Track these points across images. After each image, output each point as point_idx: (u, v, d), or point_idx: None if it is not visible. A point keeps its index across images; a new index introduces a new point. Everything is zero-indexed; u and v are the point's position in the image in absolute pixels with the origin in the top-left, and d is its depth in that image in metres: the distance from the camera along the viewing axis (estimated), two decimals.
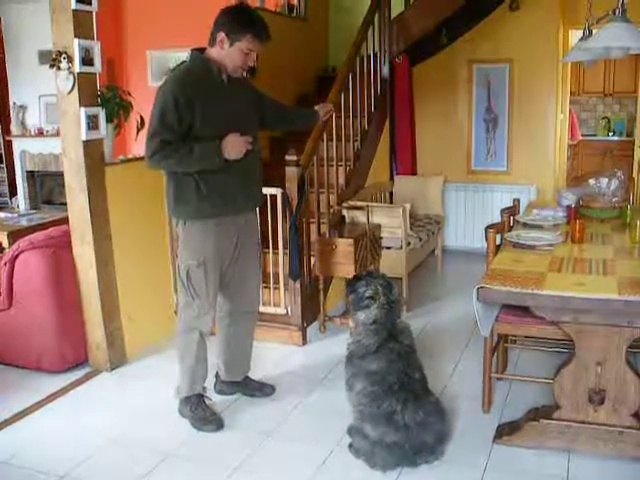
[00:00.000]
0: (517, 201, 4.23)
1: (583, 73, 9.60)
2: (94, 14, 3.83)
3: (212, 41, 3.14)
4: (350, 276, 3.74)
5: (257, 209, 3.60)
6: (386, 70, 6.01)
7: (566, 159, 7.56)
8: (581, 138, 9.50)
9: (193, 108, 3.04)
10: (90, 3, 3.75)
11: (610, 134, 9.97)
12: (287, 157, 4.35)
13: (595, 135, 10.07)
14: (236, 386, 3.73)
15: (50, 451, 3.20)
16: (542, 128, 6.45)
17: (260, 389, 3.74)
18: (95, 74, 3.88)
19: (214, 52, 3.14)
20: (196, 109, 3.04)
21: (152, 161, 3.06)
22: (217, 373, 3.74)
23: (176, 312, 4.63)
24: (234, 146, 3.10)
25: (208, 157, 3.07)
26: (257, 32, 3.10)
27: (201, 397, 3.46)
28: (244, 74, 3.32)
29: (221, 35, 3.08)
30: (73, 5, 3.65)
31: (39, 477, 2.97)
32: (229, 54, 3.10)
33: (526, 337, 3.75)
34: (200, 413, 3.41)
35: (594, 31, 3.61)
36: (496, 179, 6.61)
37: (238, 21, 3.09)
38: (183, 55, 7.89)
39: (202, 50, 3.20)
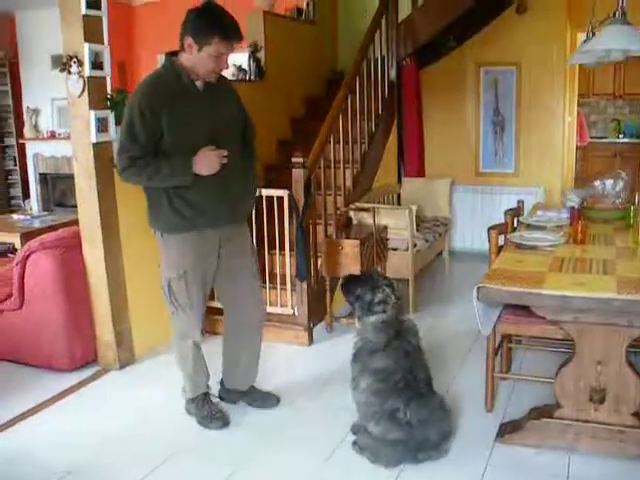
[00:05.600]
0: (521, 202, 4.26)
1: (593, 75, 9.60)
2: (104, 19, 3.90)
3: (181, 45, 2.96)
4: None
5: (246, 219, 3.46)
6: (393, 73, 6.05)
7: (575, 161, 7.57)
8: (590, 140, 9.49)
9: (160, 119, 2.91)
10: (100, 8, 3.82)
11: (620, 136, 9.97)
12: (293, 159, 4.40)
13: (605, 137, 10.07)
14: (240, 395, 3.64)
15: (59, 447, 3.26)
16: (550, 130, 6.47)
17: (264, 400, 3.63)
18: (105, 78, 3.95)
19: (184, 58, 2.96)
20: (163, 120, 2.91)
21: (123, 177, 3.01)
22: (222, 380, 3.68)
23: None
24: (206, 161, 2.97)
25: (178, 174, 2.97)
26: (226, 34, 2.89)
27: (206, 395, 3.51)
28: (225, 78, 3.18)
29: (188, 40, 2.90)
30: (83, 10, 3.72)
31: (48, 472, 3.03)
32: (199, 59, 2.92)
33: (531, 337, 3.78)
34: (206, 411, 3.44)
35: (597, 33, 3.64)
36: (504, 181, 6.64)
37: (204, 24, 2.88)
38: None
39: (176, 53, 3.02)
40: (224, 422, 3.42)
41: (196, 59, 2.92)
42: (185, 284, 3.16)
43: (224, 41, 2.89)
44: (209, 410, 3.46)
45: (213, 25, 2.88)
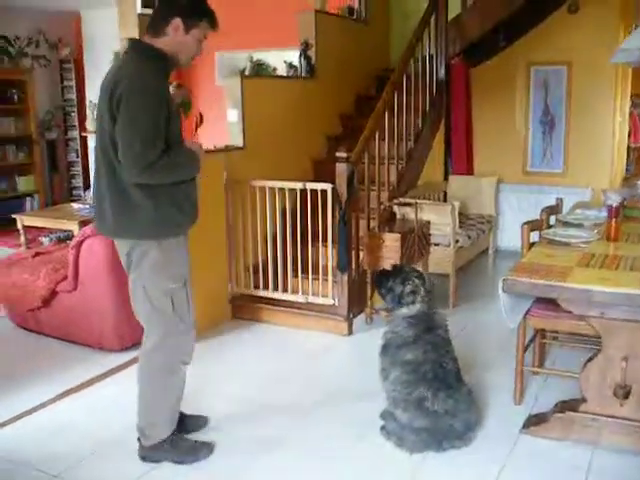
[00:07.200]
0: (560, 200, 4.29)
1: None
2: None
3: (160, 28, 2.72)
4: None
5: None
6: (442, 71, 6.10)
7: (628, 162, 7.46)
8: None
9: (168, 109, 2.68)
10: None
11: None
12: (337, 154, 4.52)
13: None
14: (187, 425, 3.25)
15: (102, 419, 3.48)
16: (599, 131, 6.43)
17: (196, 422, 3.31)
18: None
19: (163, 42, 2.71)
20: (169, 110, 2.69)
21: (149, 172, 2.59)
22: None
23: (231, 301, 4.88)
24: (201, 152, 2.87)
25: (194, 165, 2.82)
26: (212, 18, 2.78)
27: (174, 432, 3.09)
28: None
29: (177, 21, 2.68)
30: (138, 9, 3.94)
31: (93, 441, 3.24)
32: (184, 43, 2.73)
33: (568, 334, 3.80)
34: (184, 444, 3.06)
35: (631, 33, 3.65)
36: (552, 181, 6.62)
37: (195, 5, 2.74)
38: (246, 56, 8.23)
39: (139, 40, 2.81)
40: (210, 448, 3.10)
41: (179, 43, 2.72)
42: (186, 290, 2.93)
43: (210, 25, 2.78)
44: (186, 442, 3.08)
45: (203, 7, 2.78)
